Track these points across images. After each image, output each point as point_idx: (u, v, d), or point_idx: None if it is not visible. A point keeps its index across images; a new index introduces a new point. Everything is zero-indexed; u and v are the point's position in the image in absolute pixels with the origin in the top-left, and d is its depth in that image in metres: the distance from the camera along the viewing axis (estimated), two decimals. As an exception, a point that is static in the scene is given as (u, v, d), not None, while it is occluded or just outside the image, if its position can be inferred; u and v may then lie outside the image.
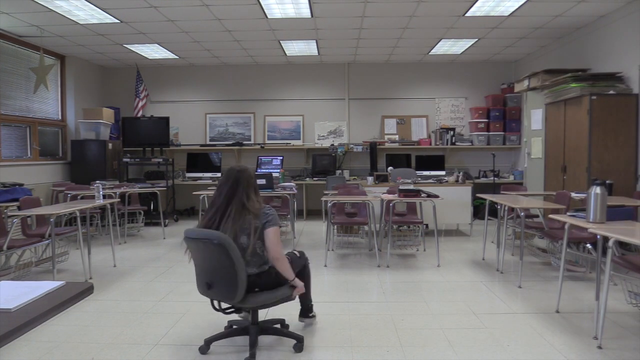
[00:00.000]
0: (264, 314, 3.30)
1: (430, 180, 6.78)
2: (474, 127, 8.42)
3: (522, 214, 4.27)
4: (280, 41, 7.13)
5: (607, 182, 4.36)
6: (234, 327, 3.03)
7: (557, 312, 3.44)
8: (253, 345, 2.73)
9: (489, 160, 8.07)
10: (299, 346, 2.83)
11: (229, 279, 2.54)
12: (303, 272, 3.02)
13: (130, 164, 7.90)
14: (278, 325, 3.12)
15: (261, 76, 8.82)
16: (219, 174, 8.31)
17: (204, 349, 2.80)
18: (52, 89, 7.52)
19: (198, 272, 2.72)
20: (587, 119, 5.28)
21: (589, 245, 4.17)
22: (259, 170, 8.09)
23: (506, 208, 4.70)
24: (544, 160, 6.47)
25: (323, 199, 5.31)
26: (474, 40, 7.11)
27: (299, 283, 2.80)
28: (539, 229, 4.86)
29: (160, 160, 7.79)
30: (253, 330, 2.81)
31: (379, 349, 2.83)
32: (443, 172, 7.87)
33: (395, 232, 6.10)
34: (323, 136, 8.76)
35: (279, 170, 7.72)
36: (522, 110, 8.12)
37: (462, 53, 7.87)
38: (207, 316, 3.39)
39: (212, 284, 2.62)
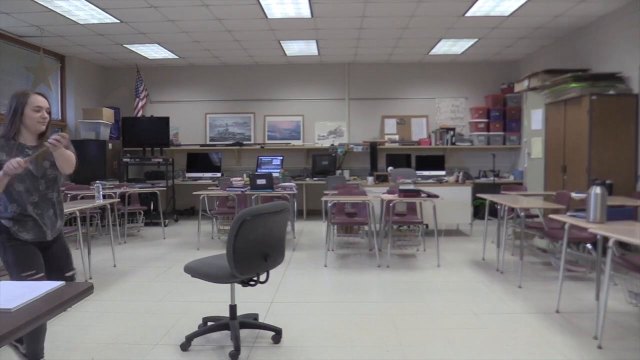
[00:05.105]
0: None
1: (430, 180, 6.77)
2: (474, 127, 8.41)
3: (522, 214, 4.27)
4: (280, 41, 7.13)
5: (607, 182, 4.36)
6: (209, 323, 3.06)
7: (557, 312, 3.44)
8: (237, 339, 2.74)
9: (489, 160, 8.07)
10: (277, 337, 2.91)
11: (279, 241, 2.81)
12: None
13: (130, 164, 7.90)
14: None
15: (261, 76, 8.82)
16: (219, 174, 8.31)
17: (185, 346, 2.85)
18: (52, 89, 7.51)
19: (251, 249, 2.61)
20: (587, 119, 5.28)
21: (589, 245, 4.17)
22: (259, 170, 8.09)
23: (506, 208, 4.70)
24: (544, 160, 6.46)
25: (323, 199, 5.30)
26: (474, 40, 7.11)
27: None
28: (539, 229, 4.86)
29: (160, 160, 7.79)
30: (234, 325, 2.84)
31: (379, 349, 2.83)
32: (443, 172, 7.86)
33: (395, 232, 6.09)
34: (323, 136, 8.76)
35: (279, 170, 7.72)
36: (522, 110, 8.11)
37: (462, 53, 7.86)
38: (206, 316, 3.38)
39: (268, 254, 2.71)
